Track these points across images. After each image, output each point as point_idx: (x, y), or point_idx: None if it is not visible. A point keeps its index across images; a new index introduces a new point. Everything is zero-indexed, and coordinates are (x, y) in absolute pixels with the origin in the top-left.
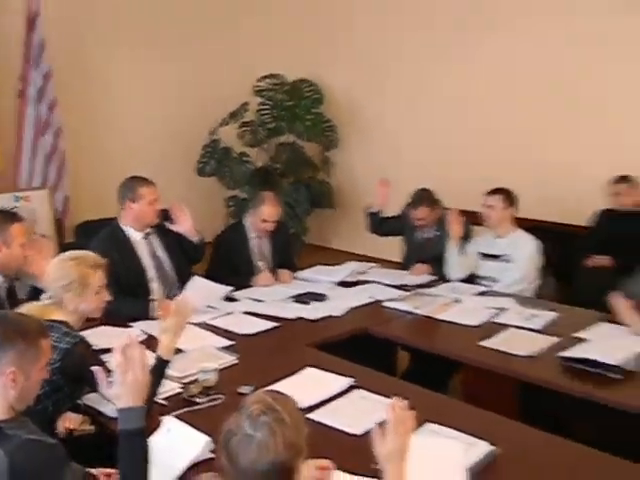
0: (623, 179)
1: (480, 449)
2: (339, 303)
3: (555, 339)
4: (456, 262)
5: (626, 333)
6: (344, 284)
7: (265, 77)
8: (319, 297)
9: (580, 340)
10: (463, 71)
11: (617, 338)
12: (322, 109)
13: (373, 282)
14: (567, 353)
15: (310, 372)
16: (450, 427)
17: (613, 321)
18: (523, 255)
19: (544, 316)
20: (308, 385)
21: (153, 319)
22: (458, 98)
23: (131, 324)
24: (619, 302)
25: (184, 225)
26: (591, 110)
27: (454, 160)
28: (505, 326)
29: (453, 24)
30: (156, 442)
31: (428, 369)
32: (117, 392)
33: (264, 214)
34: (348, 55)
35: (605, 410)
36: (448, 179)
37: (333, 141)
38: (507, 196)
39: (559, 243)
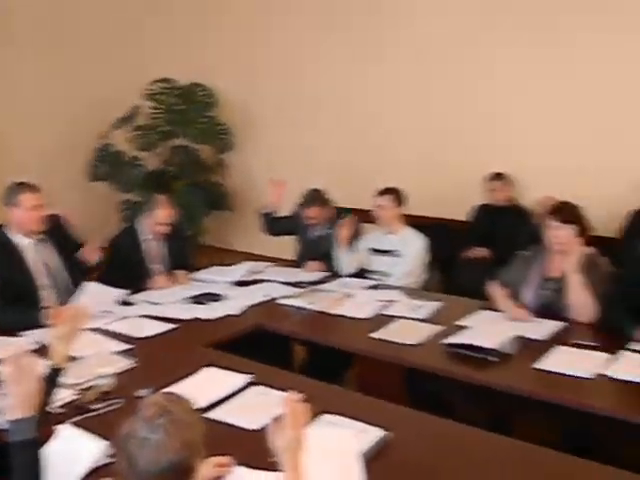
0: (498, 176)
1: (373, 435)
2: (235, 302)
3: (439, 327)
4: (346, 259)
5: (502, 319)
6: (240, 284)
7: (157, 81)
8: (216, 297)
9: (462, 327)
10: (349, 71)
11: (495, 324)
12: (216, 112)
13: (268, 281)
14: (450, 340)
15: (209, 371)
16: (345, 417)
17: (491, 308)
18: (411, 251)
19: (429, 306)
20: (207, 384)
21: (45, 327)
22: (344, 99)
23: (23, 333)
24: (496, 290)
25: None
26: (471, 113)
27: (343, 160)
28: (394, 317)
29: (340, 24)
30: (52, 451)
31: (324, 362)
32: (8, 404)
33: (158, 217)
34: (239, 59)
35: (485, 391)
36: (338, 178)
37: (228, 144)
38: (396, 196)
39: (442, 238)
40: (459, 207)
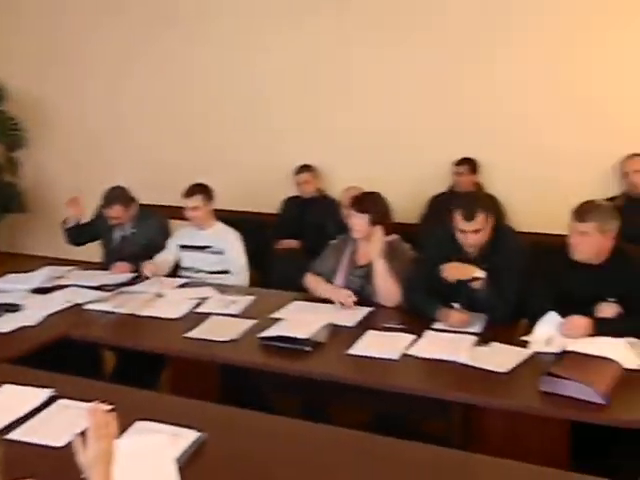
0: (305, 168)
1: (188, 438)
2: (34, 312)
3: (253, 321)
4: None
5: (317, 309)
6: (40, 291)
7: None
8: (12, 307)
9: (276, 320)
10: (143, 66)
11: (307, 314)
12: (5, 107)
13: (72, 286)
14: (264, 333)
15: (5, 390)
16: (160, 422)
17: (305, 299)
18: (227, 246)
19: (242, 301)
20: (4, 404)
21: None
22: (145, 95)
23: None
24: (312, 280)
25: None
26: (273, 110)
27: (150, 157)
28: (207, 315)
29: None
30: None
31: (136, 367)
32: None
33: None
34: (31, 51)
35: (302, 381)
36: (144, 176)
37: (19, 140)
38: (205, 194)
39: (253, 231)
40: (269, 201)
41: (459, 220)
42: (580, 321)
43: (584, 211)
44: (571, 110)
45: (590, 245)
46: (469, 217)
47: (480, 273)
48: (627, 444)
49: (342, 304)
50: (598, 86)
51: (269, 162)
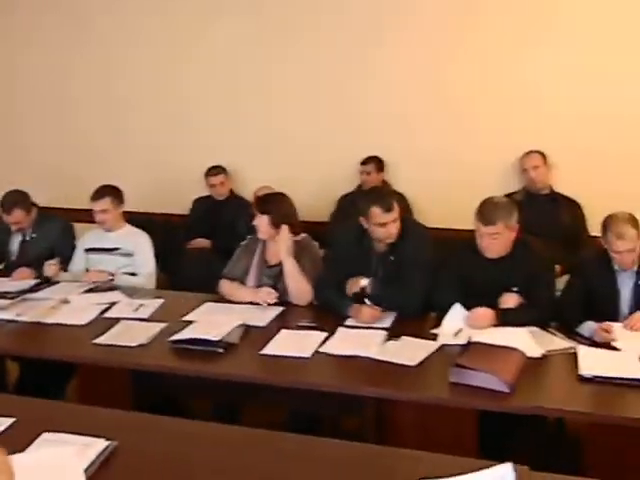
0: (218, 170)
1: (97, 447)
2: None
3: (164, 325)
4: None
5: (229, 310)
6: None
7: None
8: None
9: (187, 322)
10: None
11: (219, 315)
12: None
13: None
14: (176, 336)
15: None
16: (67, 432)
17: (217, 300)
18: (137, 248)
19: (152, 304)
20: None
21: None
22: (51, 98)
23: None
24: (226, 285)
25: None
26: (189, 113)
27: (52, 160)
28: (116, 319)
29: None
30: None
31: (41, 377)
32: None
33: None
34: None
35: (216, 384)
36: (48, 179)
37: None
38: (114, 196)
39: (163, 233)
40: (179, 202)
41: (378, 214)
42: (484, 312)
43: (490, 214)
44: (471, 110)
45: (500, 244)
46: (388, 208)
47: (364, 281)
48: (531, 429)
49: (268, 303)
50: (496, 86)
51: (179, 163)
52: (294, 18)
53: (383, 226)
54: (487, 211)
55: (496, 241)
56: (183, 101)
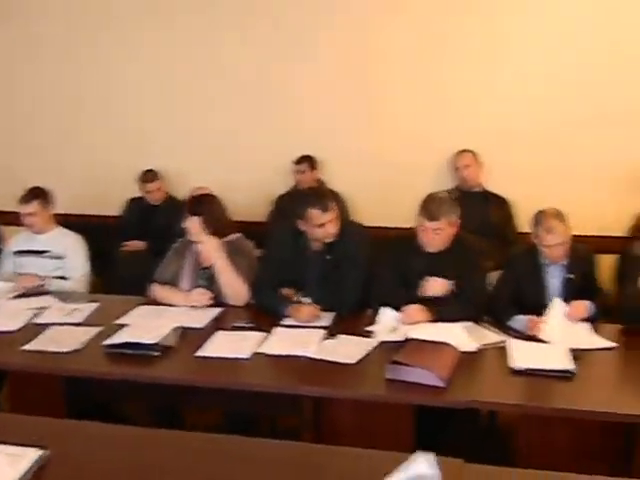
0: (152, 175)
1: (29, 457)
2: None
3: (98, 329)
4: None
5: (164, 312)
6: None
7: None
8: None
9: (122, 326)
10: None
11: (154, 318)
12: None
13: None
14: (110, 341)
15: None
16: None
17: (152, 303)
18: (67, 251)
19: (86, 308)
20: None
21: None
22: None
23: None
24: (158, 290)
25: None
26: (120, 114)
27: None
28: (47, 325)
29: None
30: None
31: None
32: None
33: None
34: None
35: (153, 388)
36: None
37: None
38: (43, 198)
39: (98, 235)
40: (112, 203)
41: (316, 215)
42: (417, 310)
43: (434, 210)
44: (403, 110)
45: (442, 238)
46: (326, 208)
47: (306, 300)
48: (465, 423)
49: (203, 305)
50: (429, 86)
51: (115, 163)
52: (228, 18)
53: (322, 226)
54: (432, 207)
55: (438, 236)
56: (120, 100)
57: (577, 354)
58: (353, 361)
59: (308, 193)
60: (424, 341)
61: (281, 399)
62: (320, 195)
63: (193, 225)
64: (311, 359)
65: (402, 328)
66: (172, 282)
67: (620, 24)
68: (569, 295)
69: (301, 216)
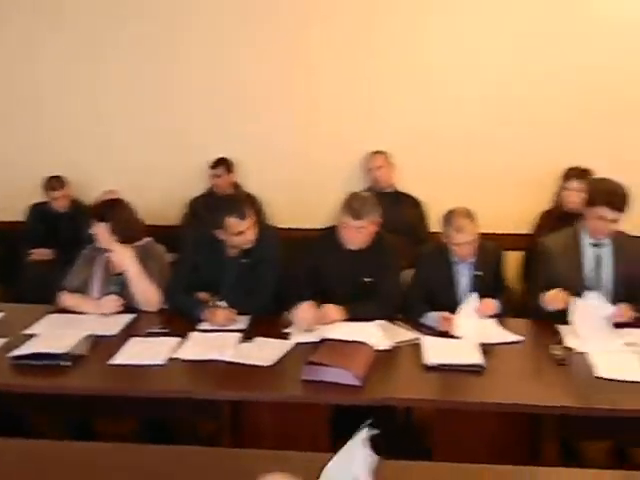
0: (57, 183)
1: None
2: None
3: (4, 340)
4: None
5: (74, 321)
6: None
7: None
8: None
9: (29, 336)
10: None
11: (64, 327)
12: None
13: None
14: (17, 352)
15: None
16: None
17: (60, 311)
18: None
19: None
20: None
21: None
22: None
23: None
24: (67, 299)
25: None
26: (37, 116)
27: None
28: None
29: None
30: None
31: None
32: None
33: None
34: None
35: (64, 399)
36: None
37: None
38: None
39: (3, 242)
40: (21, 208)
41: (234, 224)
42: (332, 310)
43: (359, 209)
44: (316, 111)
45: (364, 237)
46: (243, 216)
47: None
48: (381, 420)
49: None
50: (342, 87)
51: (19, 166)
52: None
53: (240, 234)
54: (356, 205)
55: (361, 234)
56: (24, 102)
57: (487, 348)
58: (270, 363)
59: (225, 200)
60: (339, 341)
61: (198, 404)
62: (236, 202)
63: (100, 231)
64: (228, 363)
65: (318, 329)
66: (82, 290)
67: (536, 28)
68: (478, 292)
69: (218, 225)
